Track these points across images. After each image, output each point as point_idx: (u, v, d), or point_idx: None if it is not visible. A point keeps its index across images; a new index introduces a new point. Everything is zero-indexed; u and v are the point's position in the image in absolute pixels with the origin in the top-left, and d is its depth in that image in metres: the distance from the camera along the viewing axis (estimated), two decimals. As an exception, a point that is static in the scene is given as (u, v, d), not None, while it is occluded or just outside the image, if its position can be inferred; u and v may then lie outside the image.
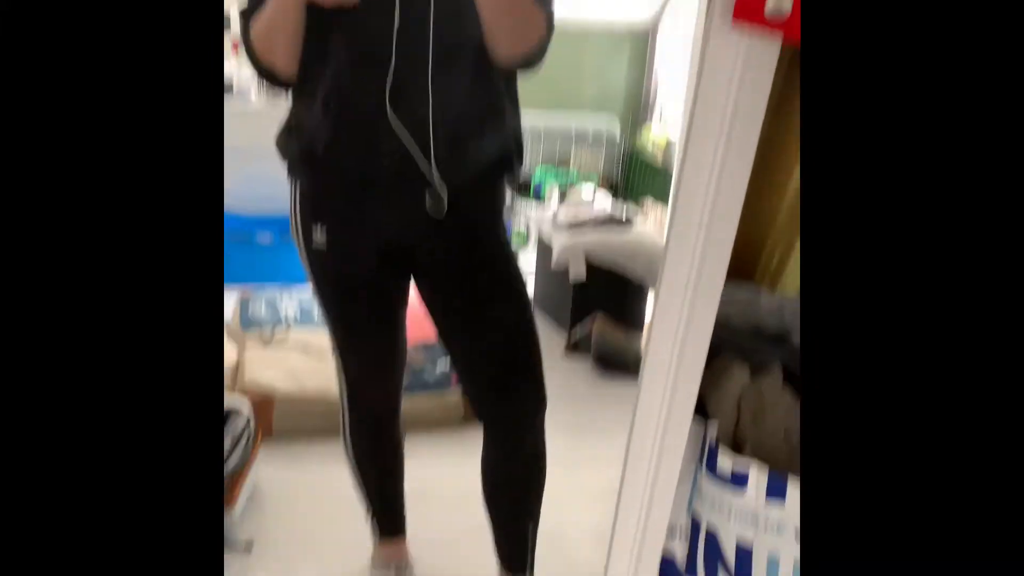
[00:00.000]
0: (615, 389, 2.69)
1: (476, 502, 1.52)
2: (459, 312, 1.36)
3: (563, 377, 2.72)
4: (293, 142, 1.26)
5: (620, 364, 2.75)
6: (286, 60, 1.18)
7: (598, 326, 2.81)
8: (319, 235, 1.29)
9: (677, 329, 0.85)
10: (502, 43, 1.15)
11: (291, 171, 1.31)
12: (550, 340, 2.99)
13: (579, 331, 2.89)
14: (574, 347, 2.89)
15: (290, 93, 1.27)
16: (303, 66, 1.19)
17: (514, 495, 1.50)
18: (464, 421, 2.35)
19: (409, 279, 1.39)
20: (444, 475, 2.00)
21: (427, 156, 1.17)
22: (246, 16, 1.20)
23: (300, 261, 1.36)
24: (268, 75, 1.22)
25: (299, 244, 1.33)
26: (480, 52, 1.17)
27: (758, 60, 0.73)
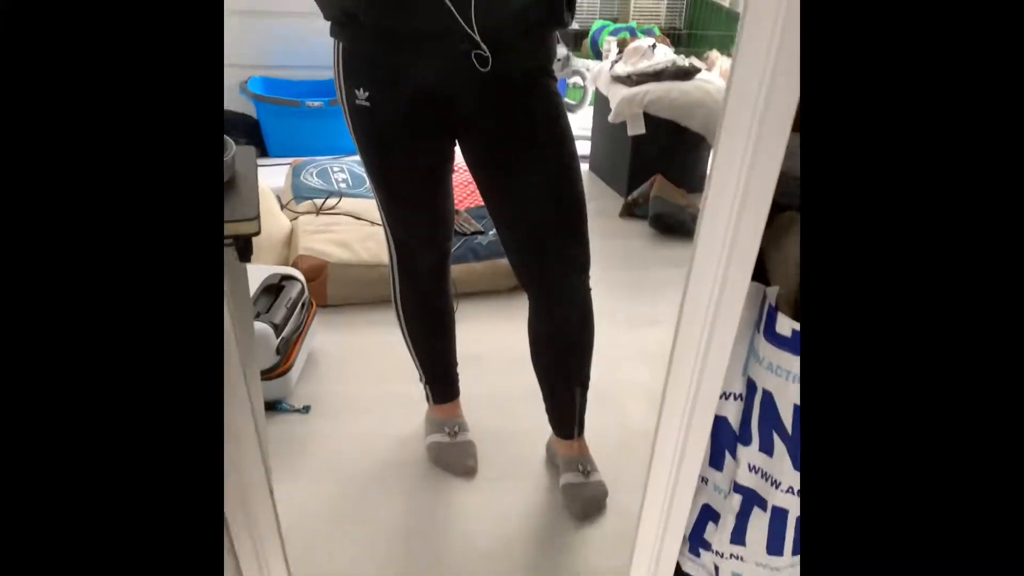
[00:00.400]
0: (673, 252, 2.61)
1: (529, 365, 1.51)
2: (500, 168, 1.30)
3: (619, 240, 2.65)
4: (332, 1, 1.20)
5: (679, 226, 2.65)
6: None
7: (657, 187, 2.70)
8: (362, 93, 1.25)
9: (738, 181, 0.76)
10: None
11: (333, 31, 1.26)
12: (607, 202, 2.90)
13: (637, 193, 2.78)
14: (631, 209, 2.79)
15: None
16: None
17: (561, 360, 1.49)
18: (515, 288, 2.32)
19: (454, 137, 1.33)
20: (498, 340, 1.99)
21: (467, 14, 1.10)
22: None
23: (345, 122, 1.32)
24: None
25: (343, 103, 1.29)
26: None
27: None
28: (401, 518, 1.54)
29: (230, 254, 0.94)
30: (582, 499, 1.54)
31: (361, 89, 1.24)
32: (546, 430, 1.62)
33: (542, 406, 1.57)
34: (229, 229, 0.90)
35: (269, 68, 3.25)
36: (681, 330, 0.84)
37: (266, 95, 3.10)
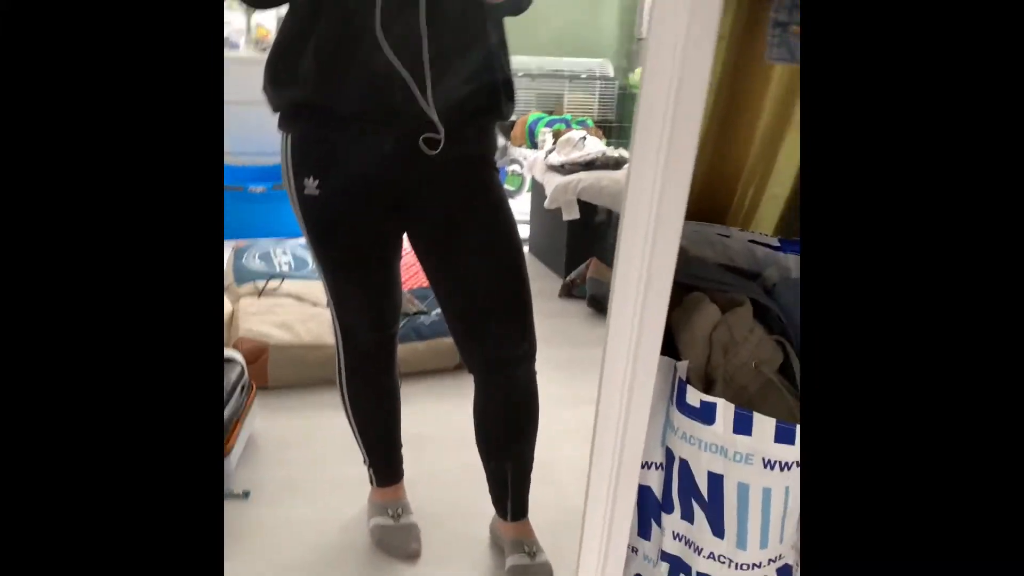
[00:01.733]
0: (609, 331, 2.70)
1: (473, 446, 1.53)
2: (448, 253, 1.35)
3: (558, 320, 2.74)
4: (282, 93, 1.25)
5: (615, 306, 2.76)
6: None
7: (592, 269, 2.81)
8: (311, 182, 1.28)
9: (641, 265, 0.84)
10: None
11: (281, 122, 1.30)
12: (545, 284, 3.00)
13: (574, 274, 2.89)
14: (568, 290, 2.90)
15: (282, 23, 1.24)
16: None
17: (505, 442, 1.51)
18: (458, 367, 2.37)
19: (401, 223, 1.38)
20: (441, 420, 2.02)
21: (422, 91, 1.16)
22: None
23: (292, 210, 1.35)
24: None
25: (291, 193, 1.33)
26: None
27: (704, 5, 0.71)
28: (341, 603, 1.52)
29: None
30: (528, 581, 1.54)
31: (310, 178, 1.28)
32: (490, 511, 1.63)
33: (486, 487, 1.59)
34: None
35: (213, 155, 3.30)
36: (601, 404, 0.91)
37: (210, 181, 3.15)
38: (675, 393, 0.89)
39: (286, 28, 1.23)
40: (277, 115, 1.30)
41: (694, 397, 0.86)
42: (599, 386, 0.89)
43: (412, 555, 1.63)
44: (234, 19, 3.34)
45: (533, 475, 1.56)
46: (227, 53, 3.18)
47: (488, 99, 1.26)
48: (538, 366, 1.45)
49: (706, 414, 0.85)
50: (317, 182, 1.28)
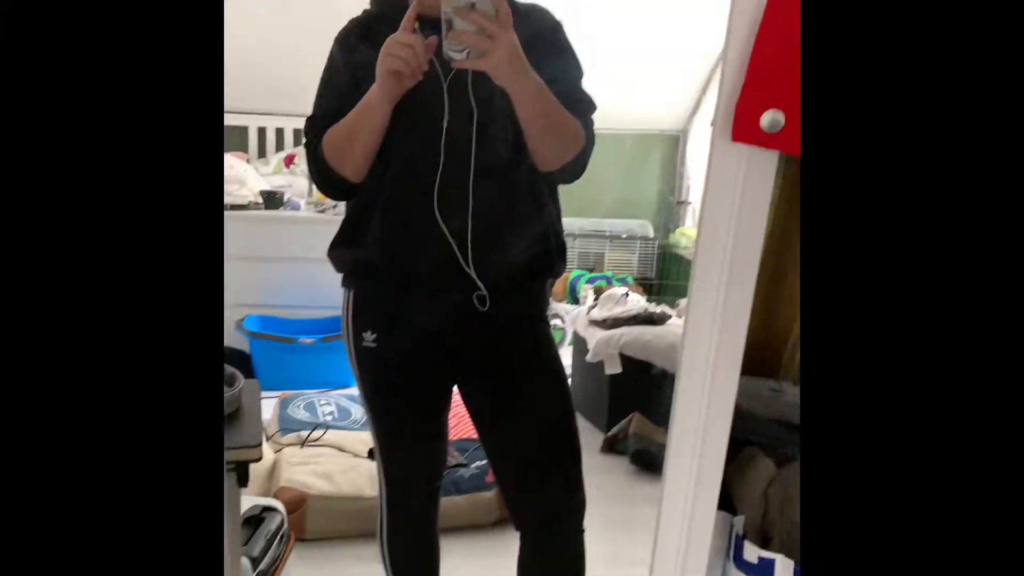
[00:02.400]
0: (652, 488, 2.62)
1: (511, 604, 1.48)
2: (500, 409, 1.37)
3: (600, 476, 2.68)
4: (347, 252, 1.32)
5: (658, 463, 2.70)
6: (360, 167, 1.23)
7: (635, 424, 2.78)
8: (369, 335, 1.33)
9: (697, 421, 0.86)
10: (544, 154, 1.22)
11: (346, 281, 1.37)
12: (587, 438, 2.94)
13: (616, 429, 2.86)
14: (610, 445, 2.86)
15: (350, 201, 1.34)
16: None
17: None
18: (498, 522, 2.31)
19: (453, 378, 1.41)
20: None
21: (465, 256, 1.22)
22: (316, 123, 1.28)
23: (349, 364, 1.39)
24: (333, 184, 1.27)
25: (349, 347, 1.38)
26: (524, 157, 1.23)
27: (759, 169, 0.78)
28: None
29: (230, 479, 1.00)
30: None
31: (369, 331, 1.33)
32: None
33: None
34: (232, 456, 0.96)
35: (264, 307, 3.43)
36: (656, 561, 0.89)
37: (261, 331, 3.26)
38: (732, 549, 0.88)
39: (358, 198, 1.32)
40: (341, 274, 1.37)
41: (752, 553, 0.84)
42: (654, 541, 0.88)
43: None
44: (296, 182, 3.59)
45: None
46: (288, 213, 3.39)
47: (542, 261, 1.31)
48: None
49: (765, 571, 0.83)
50: (375, 336, 1.33)
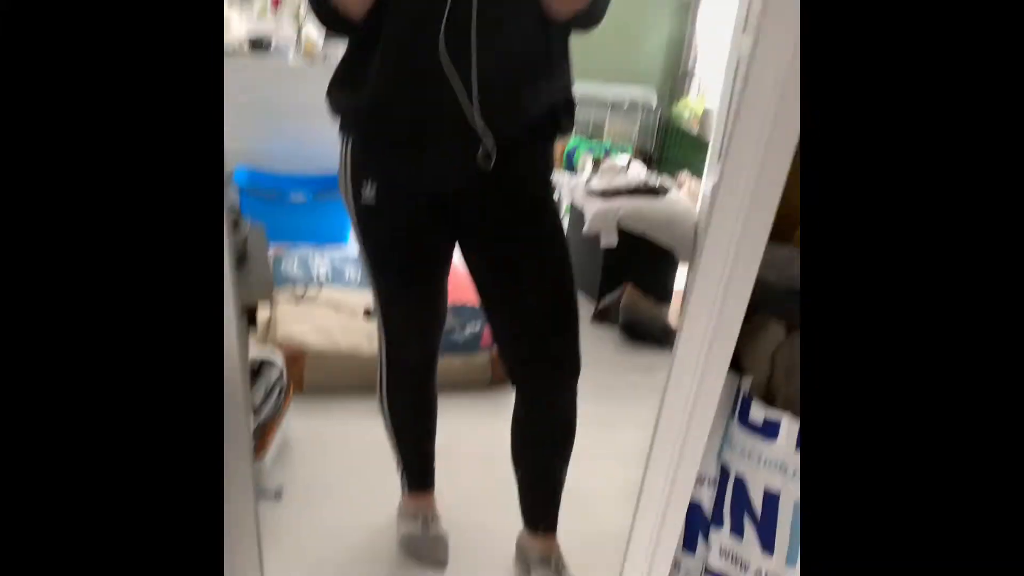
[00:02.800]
0: (641, 358, 2.69)
1: (502, 461, 1.54)
2: (502, 270, 1.36)
3: (591, 344, 2.72)
4: (346, 96, 1.26)
5: (646, 334, 2.75)
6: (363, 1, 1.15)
7: (627, 296, 2.81)
8: (368, 191, 1.30)
9: (718, 286, 0.86)
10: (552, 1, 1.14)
11: (343, 126, 1.31)
12: (580, 308, 2.99)
13: (608, 300, 2.89)
14: (602, 316, 2.90)
15: (349, 39, 1.26)
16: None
17: (543, 456, 1.52)
18: (491, 383, 2.37)
19: (454, 236, 1.39)
20: (472, 434, 2.03)
21: (471, 102, 1.17)
22: None
23: (348, 216, 1.36)
24: (334, 18, 1.18)
25: (347, 200, 1.34)
26: (535, 6, 1.16)
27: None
28: (369, 608, 1.52)
29: (241, 323, 0.99)
30: (554, 596, 1.54)
31: (368, 182, 1.29)
32: (516, 527, 1.63)
33: (514, 502, 1.59)
34: (243, 297, 0.95)
35: (252, 160, 3.34)
36: (663, 415, 0.91)
37: (250, 186, 3.20)
38: (738, 409, 0.89)
39: (356, 35, 1.25)
40: (336, 121, 1.31)
41: (758, 413, 0.86)
42: (663, 395, 0.90)
43: (439, 564, 1.64)
44: (284, 26, 3.40)
45: (562, 497, 1.56)
46: (276, 62, 3.24)
47: (549, 117, 1.27)
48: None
49: (769, 431, 0.85)
50: (375, 189, 1.29)
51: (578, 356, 1.41)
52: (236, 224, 1.17)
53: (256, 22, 3.41)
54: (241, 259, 1.03)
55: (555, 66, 1.25)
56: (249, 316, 1.01)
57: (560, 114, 1.29)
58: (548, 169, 1.37)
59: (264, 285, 0.97)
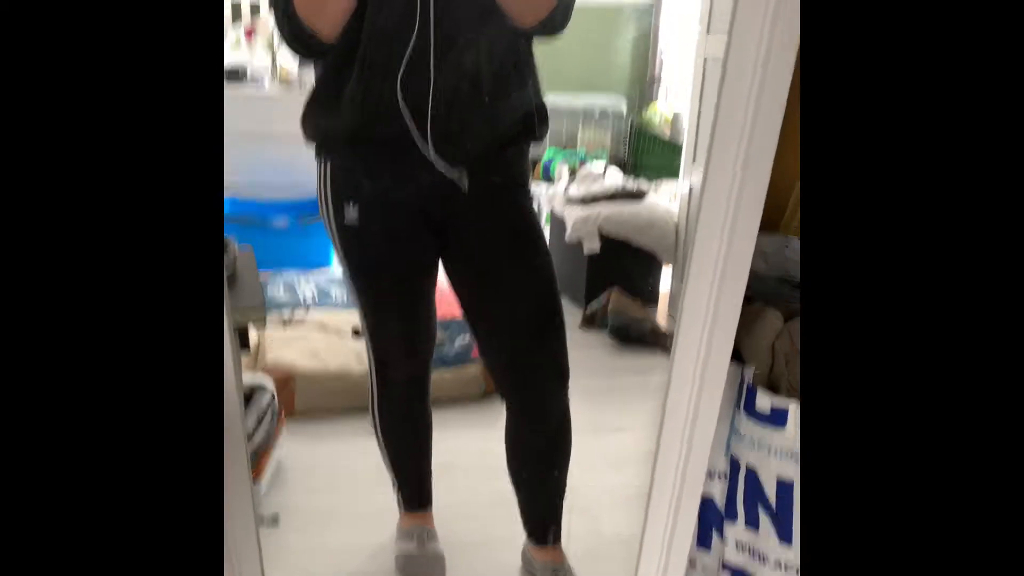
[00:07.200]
0: (632, 360, 2.70)
1: (499, 473, 1.53)
2: (486, 282, 1.36)
3: (581, 350, 2.73)
4: (321, 121, 1.26)
5: (636, 336, 2.76)
6: (336, 20, 1.13)
7: (614, 299, 2.81)
8: (351, 212, 1.29)
9: (713, 277, 0.86)
10: (515, 9, 1.14)
11: (320, 149, 1.30)
12: (567, 315, 2.98)
13: (595, 305, 2.89)
14: (590, 321, 2.90)
15: (319, 64, 1.26)
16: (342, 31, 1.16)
17: (540, 467, 1.50)
18: (484, 395, 2.36)
19: (438, 251, 1.39)
20: (467, 447, 2.01)
21: (425, 138, 1.17)
22: None
23: (330, 240, 1.36)
24: (304, 41, 1.16)
25: (329, 223, 1.33)
26: (499, 19, 1.16)
27: (786, 14, 0.74)
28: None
29: (233, 342, 0.98)
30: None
31: (349, 203, 1.29)
32: (519, 538, 1.61)
33: (515, 513, 1.57)
34: (235, 319, 0.94)
35: (234, 189, 3.32)
36: (667, 411, 0.91)
37: (233, 214, 3.18)
38: (743, 399, 0.90)
39: (329, 61, 1.24)
40: (312, 146, 1.30)
41: (764, 402, 0.86)
42: (666, 391, 0.90)
43: None
44: (259, 55, 3.40)
45: (565, 505, 1.55)
46: (253, 90, 3.23)
47: (522, 124, 1.27)
48: (565, 396, 1.45)
49: (777, 419, 0.85)
50: (356, 208, 1.29)
51: (566, 363, 1.40)
52: (224, 247, 1.15)
53: (231, 53, 3.41)
54: (231, 280, 1.01)
55: (525, 76, 1.26)
56: (241, 339, 1.00)
57: (533, 120, 1.29)
58: (525, 176, 1.37)
59: (256, 306, 0.96)
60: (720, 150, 0.81)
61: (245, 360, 2.30)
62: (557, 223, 3.16)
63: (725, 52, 0.79)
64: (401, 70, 1.14)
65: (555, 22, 1.19)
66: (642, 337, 2.73)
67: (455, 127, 1.19)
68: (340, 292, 2.68)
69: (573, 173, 3.69)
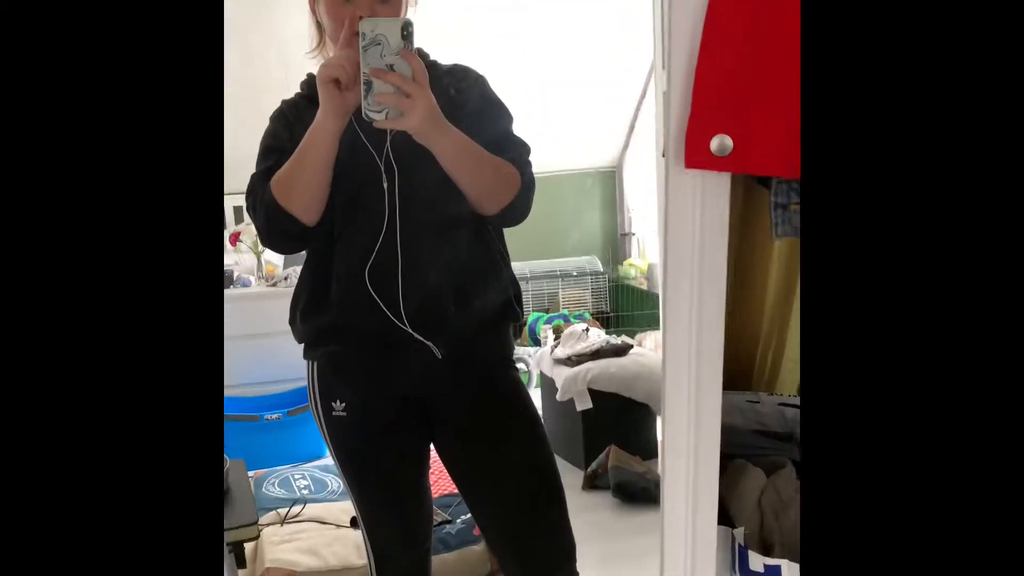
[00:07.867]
0: (639, 519, 2.63)
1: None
2: (479, 459, 1.36)
3: (585, 513, 2.67)
4: (307, 320, 1.31)
5: (641, 494, 2.71)
6: (312, 201, 1.19)
7: (613, 456, 2.79)
8: (339, 405, 1.32)
9: (687, 443, 0.89)
10: (481, 202, 1.24)
11: (307, 352, 1.35)
12: (567, 478, 2.93)
13: (595, 465, 2.86)
14: (592, 481, 2.86)
15: (303, 267, 1.33)
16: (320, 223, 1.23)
17: None
18: (492, 574, 2.29)
19: (428, 436, 1.40)
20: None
21: (400, 319, 1.23)
22: (260, 174, 1.24)
23: (320, 434, 1.37)
24: (284, 228, 1.22)
25: (319, 419, 1.36)
26: (467, 208, 1.25)
27: (714, 191, 0.82)
28: None
29: (229, 560, 0.98)
30: None
31: (337, 401, 1.32)
32: None
33: None
34: (229, 536, 0.95)
35: (226, 387, 3.36)
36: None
37: (225, 413, 3.19)
38: (737, 562, 0.90)
39: (311, 263, 1.32)
40: (303, 345, 1.35)
41: (757, 562, 0.86)
42: (660, 568, 0.90)
43: None
44: (244, 259, 3.55)
45: None
46: (239, 291, 3.35)
47: (500, 307, 1.33)
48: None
49: (772, 579, 0.85)
50: (344, 405, 1.32)
51: (570, 536, 1.37)
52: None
53: (218, 259, 3.55)
54: (224, 494, 1.03)
55: (495, 261, 1.33)
56: (237, 552, 1.00)
57: (510, 302, 1.34)
58: (509, 354, 1.41)
59: (249, 524, 0.97)
60: (673, 322, 0.87)
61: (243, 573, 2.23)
62: (548, 384, 3.20)
63: (663, 236, 0.87)
64: (369, 262, 1.21)
65: (515, 212, 1.28)
66: (646, 492, 2.69)
67: (432, 317, 1.25)
68: (336, 483, 2.65)
69: (558, 333, 3.77)
